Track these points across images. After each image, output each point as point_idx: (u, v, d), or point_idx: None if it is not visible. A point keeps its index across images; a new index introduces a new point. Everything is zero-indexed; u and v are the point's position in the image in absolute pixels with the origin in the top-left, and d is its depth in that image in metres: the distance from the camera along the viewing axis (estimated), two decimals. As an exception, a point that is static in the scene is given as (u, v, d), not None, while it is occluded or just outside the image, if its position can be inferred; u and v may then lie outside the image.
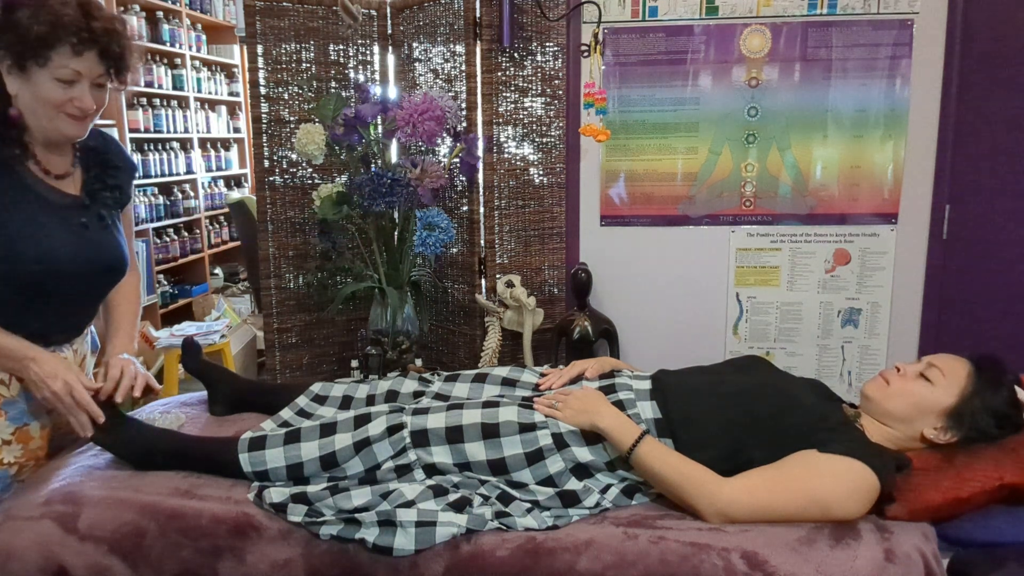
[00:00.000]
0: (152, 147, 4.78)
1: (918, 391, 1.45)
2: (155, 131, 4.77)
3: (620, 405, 1.49)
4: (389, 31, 2.84)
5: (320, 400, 1.73)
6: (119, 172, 1.64)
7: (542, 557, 1.32)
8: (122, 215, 1.67)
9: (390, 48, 2.86)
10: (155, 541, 1.41)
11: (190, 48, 5.17)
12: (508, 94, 2.67)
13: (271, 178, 2.74)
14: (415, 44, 2.82)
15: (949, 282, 2.67)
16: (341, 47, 2.78)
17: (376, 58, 2.87)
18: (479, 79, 2.60)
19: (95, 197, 1.58)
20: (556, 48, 2.71)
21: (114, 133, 4.29)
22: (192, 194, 5.17)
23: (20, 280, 1.46)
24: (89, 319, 1.68)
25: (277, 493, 1.42)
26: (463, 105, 2.62)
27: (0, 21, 1.37)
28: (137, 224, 4.36)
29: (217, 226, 5.56)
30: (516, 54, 2.65)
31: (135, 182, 1.82)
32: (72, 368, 1.51)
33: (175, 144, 5.05)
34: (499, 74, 2.63)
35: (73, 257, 1.50)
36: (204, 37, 5.45)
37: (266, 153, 2.72)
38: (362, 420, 1.47)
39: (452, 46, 2.67)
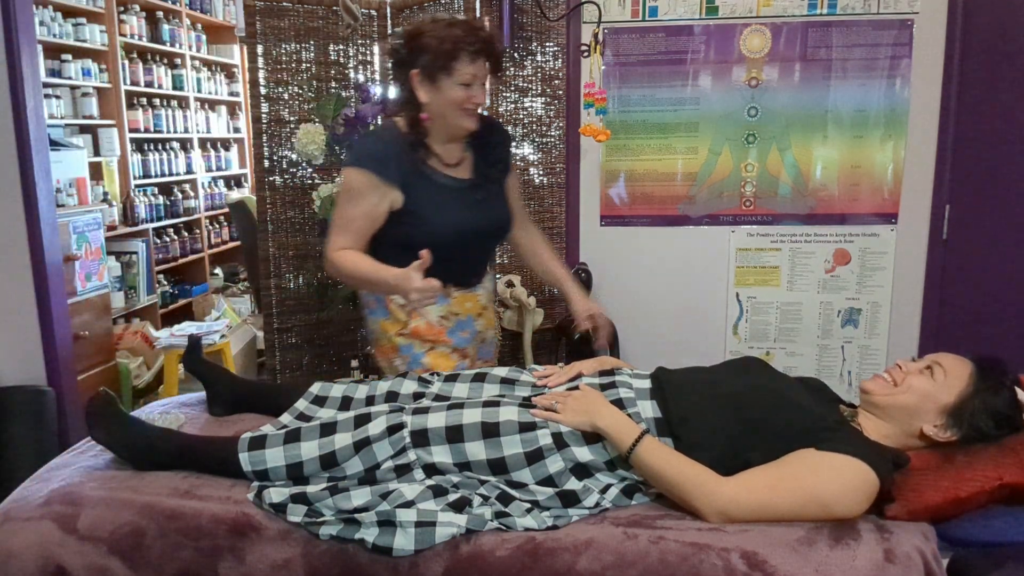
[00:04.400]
0: (152, 147, 4.78)
1: (920, 386, 1.45)
2: (155, 131, 4.77)
3: (620, 403, 1.49)
4: (389, 31, 2.84)
5: (320, 402, 1.73)
6: (499, 147, 1.95)
7: (542, 557, 1.32)
8: (508, 180, 1.99)
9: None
10: (155, 541, 1.40)
11: (190, 48, 5.17)
12: (508, 94, 2.66)
13: (271, 178, 2.74)
14: (415, 44, 2.82)
15: (949, 282, 2.67)
16: (341, 47, 2.78)
17: (376, 58, 2.87)
18: (479, 79, 2.59)
19: (485, 174, 1.91)
20: (556, 48, 2.71)
21: (114, 133, 4.30)
22: (192, 194, 5.17)
23: (440, 243, 1.78)
24: (487, 265, 2.07)
25: (277, 493, 1.42)
26: (463, 105, 2.62)
27: (413, 47, 1.75)
28: (137, 224, 4.36)
29: (217, 226, 5.56)
30: (516, 54, 2.65)
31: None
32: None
33: (175, 144, 5.05)
34: (499, 74, 2.63)
35: (473, 226, 1.88)
36: (204, 37, 5.45)
37: (266, 153, 2.72)
38: (362, 420, 1.47)
39: (452, 46, 2.67)
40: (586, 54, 2.69)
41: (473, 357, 2.00)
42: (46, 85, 3.70)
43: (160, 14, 4.86)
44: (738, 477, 1.36)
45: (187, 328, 3.59)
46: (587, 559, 1.31)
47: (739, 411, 1.45)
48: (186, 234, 5.08)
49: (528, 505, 1.41)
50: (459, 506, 1.38)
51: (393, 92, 2.82)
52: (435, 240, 1.78)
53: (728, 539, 1.30)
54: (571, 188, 2.80)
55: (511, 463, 1.42)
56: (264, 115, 2.69)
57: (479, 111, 1.82)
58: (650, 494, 1.46)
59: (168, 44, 4.91)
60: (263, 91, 2.68)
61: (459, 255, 1.89)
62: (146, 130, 4.66)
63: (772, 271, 2.76)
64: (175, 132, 5.00)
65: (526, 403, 1.50)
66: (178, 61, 5.09)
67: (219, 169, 5.66)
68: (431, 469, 1.44)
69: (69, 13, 4.06)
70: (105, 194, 4.22)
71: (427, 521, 1.34)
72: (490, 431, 1.43)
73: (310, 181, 2.78)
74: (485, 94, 1.80)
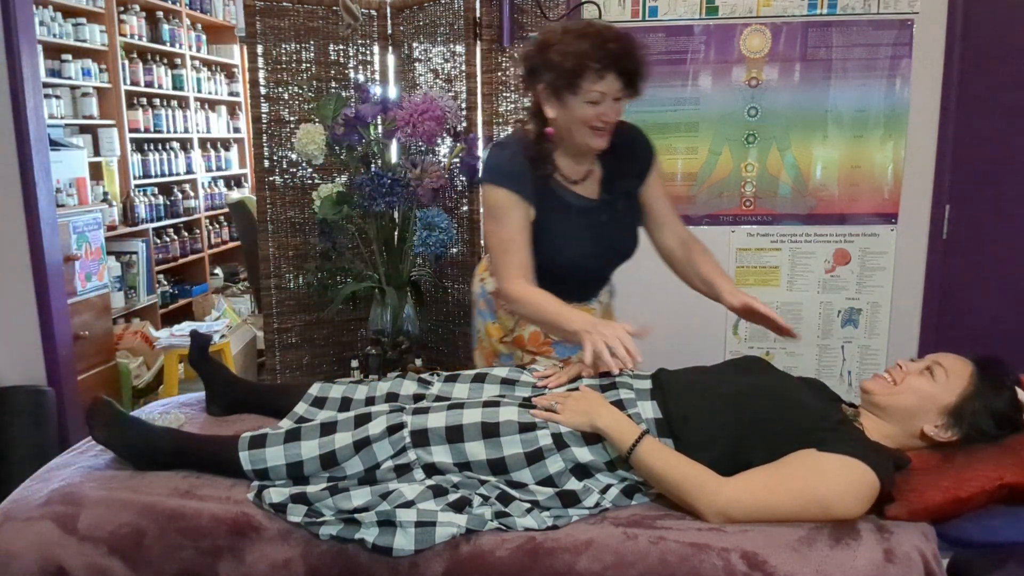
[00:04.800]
0: (152, 147, 4.78)
1: (921, 386, 1.45)
2: (155, 131, 4.77)
3: (620, 404, 1.49)
4: (389, 31, 2.84)
5: (319, 403, 1.72)
6: (635, 161, 1.81)
7: (542, 557, 1.32)
8: (645, 190, 1.83)
9: (390, 48, 2.86)
10: (155, 541, 1.40)
11: (190, 48, 5.17)
12: (508, 94, 2.66)
13: (271, 178, 2.74)
14: (415, 44, 2.82)
15: (949, 282, 2.67)
16: (341, 47, 2.78)
17: (376, 58, 2.87)
18: (479, 79, 2.60)
19: (613, 191, 1.80)
20: (556, 48, 2.71)
21: (114, 133, 4.30)
22: (192, 194, 5.17)
23: (555, 270, 1.76)
24: (606, 282, 1.97)
25: (277, 493, 1.42)
26: (463, 105, 2.62)
27: (539, 62, 1.63)
28: (137, 224, 4.36)
29: (217, 226, 5.56)
30: (516, 54, 2.65)
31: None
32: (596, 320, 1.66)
33: (175, 144, 5.05)
34: (499, 74, 2.63)
35: (594, 252, 1.80)
36: (204, 37, 5.45)
37: (266, 153, 2.72)
38: (362, 419, 1.47)
39: (452, 46, 2.67)
40: (586, 54, 2.69)
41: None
42: (46, 85, 3.70)
43: (160, 14, 4.86)
44: (738, 478, 1.36)
45: (187, 328, 3.59)
46: (587, 559, 1.31)
47: (740, 411, 1.45)
48: (186, 234, 5.08)
49: (528, 505, 1.41)
50: (459, 506, 1.38)
51: (393, 92, 2.83)
52: (552, 264, 1.74)
53: (728, 539, 1.30)
54: (571, 188, 2.80)
55: (511, 463, 1.42)
56: (264, 115, 2.69)
57: (609, 130, 1.68)
58: (650, 494, 1.46)
59: (168, 44, 4.91)
60: (263, 91, 2.68)
61: (577, 276, 1.84)
62: (146, 130, 4.66)
63: (772, 271, 2.76)
64: (175, 132, 5.00)
65: (526, 403, 1.50)
66: (178, 61, 5.09)
67: (219, 169, 5.66)
68: (431, 469, 1.44)
69: (69, 13, 4.06)
70: (105, 194, 4.22)
71: (427, 521, 1.34)
72: (490, 431, 1.43)
73: (310, 181, 2.78)
74: (618, 111, 1.65)
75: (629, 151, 1.79)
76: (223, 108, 5.76)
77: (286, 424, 1.68)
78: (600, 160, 1.78)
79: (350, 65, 2.81)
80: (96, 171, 4.18)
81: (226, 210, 5.46)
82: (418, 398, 1.66)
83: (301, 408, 1.71)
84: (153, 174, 4.74)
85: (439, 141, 2.57)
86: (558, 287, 1.71)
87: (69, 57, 4.01)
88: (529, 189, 1.70)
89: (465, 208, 2.71)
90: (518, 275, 1.69)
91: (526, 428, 1.43)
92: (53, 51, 3.95)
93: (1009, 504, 1.37)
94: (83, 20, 4.12)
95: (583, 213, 1.77)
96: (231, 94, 5.84)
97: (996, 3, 2.51)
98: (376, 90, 2.83)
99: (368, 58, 2.85)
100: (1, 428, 2.51)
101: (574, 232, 1.76)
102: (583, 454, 1.43)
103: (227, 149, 5.82)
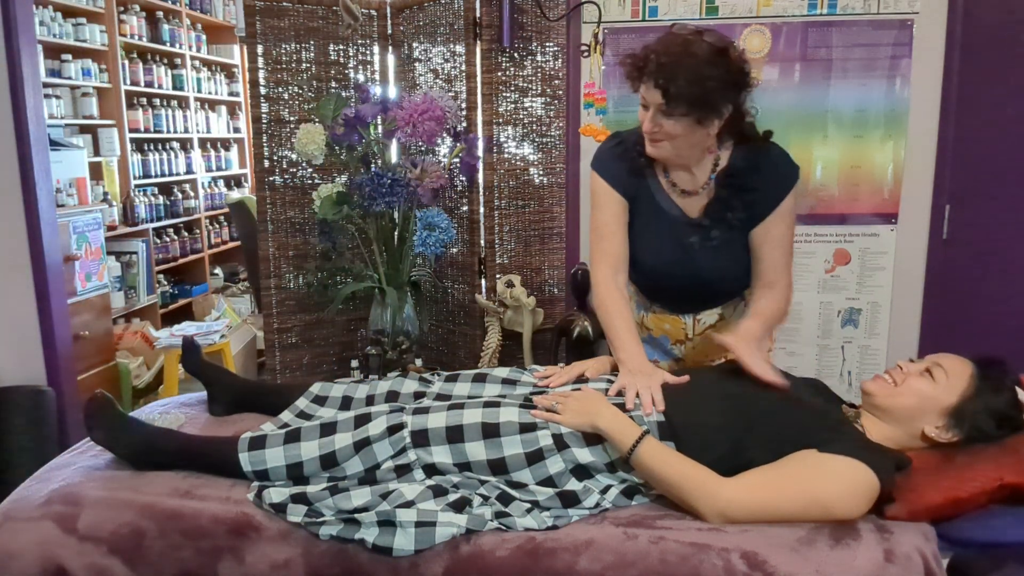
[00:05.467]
0: (152, 147, 4.77)
1: (921, 388, 1.45)
2: (155, 131, 4.77)
3: (622, 406, 1.49)
4: (389, 31, 2.84)
5: (320, 401, 1.73)
6: (755, 195, 1.65)
7: (542, 557, 1.32)
8: (758, 231, 1.68)
9: (390, 48, 2.86)
10: (155, 541, 1.40)
11: (190, 48, 5.17)
12: (508, 94, 2.66)
13: (271, 178, 2.74)
14: (415, 44, 2.82)
15: (949, 282, 2.67)
16: (341, 47, 2.78)
17: (376, 58, 2.87)
18: (479, 79, 2.60)
19: (715, 218, 1.68)
20: (556, 48, 2.71)
21: (114, 133, 4.30)
22: (192, 194, 5.17)
23: (642, 274, 1.80)
24: (705, 306, 1.82)
25: (277, 493, 1.42)
26: (463, 105, 2.62)
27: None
28: (137, 224, 4.36)
29: (217, 226, 5.56)
30: (516, 54, 2.65)
31: None
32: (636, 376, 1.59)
33: (175, 144, 5.05)
34: (499, 74, 2.63)
35: (671, 272, 1.74)
36: (204, 37, 5.45)
37: (266, 153, 2.72)
38: (362, 420, 1.47)
39: (452, 46, 2.67)
40: (586, 54, 2.69)
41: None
42: (46, 85, 3.70)
43: (160, 14, 4.86)
44: (739, 478, 1.36)
45: (187, 328, 3.59)
46: (587, 559, 1.31)
47: (741, 411, 1.45)
48: (186, 234, 5.08)
49: (528, 505, 1.41)
50: (459, 506, 1.38)
51: (393, 92, 2.83)
52: (636, 263, 1.75)
53: (728, 539, 1.30)
54: (571, 188, 2.80)
55: (511, 463, 1.42)
56: (264, 115, 2.69)
57: (666, 142, 1.60)
58: (650, 495, 1.46)
59: (168, 44, 4.91)
60: (263, 91, 2.68)
61: (662, 285, 1.80)
62: (146, 130, 4.66)
63: (772, 271, 2.76)
64: (175, 132, 5.00)
65: (527, 403, 1.50)
66: (178, 61, 5.09)
67: (219, 169, 5.66)
68: (431, 469, 1.44)
69: (69, 13, 4.06)
70: (105, 194, 4.22)
71: (427, 521, 1.34)
72: (490, 431, 1.43)
73: (310, 181, 2.78)
74: (671, 126, 1.55)
75: (757, 181, 1.64)
76: (223, 108, 5.76)
77: (286, 417, 1.69)
78: (721, 180, 1.66)
79: (350, 65, 2.81)
80: (96, 171, 4.18)
81: (226, 210, 5.46)
82: (418, 396, 1.66)
83: (302, 403, 1.72)
84: (153, 174, 4.74)
85: (439, 141, 2.57)
86: (651, 292, 1.80)
87: (69, 57, 4.01)
88: (624, 182, 1.71)
89: (465, 208, 2.71)
90: (607, 262, 1.73)
91: (526, 428, 1.43)
92: (53, 51, 3.95)
93: (1009, 504, 1.37)
94: (83, 20, 4.12)
95: (673, 226, 1.71)
96: (231, 94, 5.84)
97: (996, 3, 2.51)
98: (376, 90, 2.83)
99: (368, 58, 2.85)
100: (1, 428, 2.51)
101: (657, 241, 1.72)
102: (583, 455, 1.43)
103: (227, 149, 5.82)
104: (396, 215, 2.52)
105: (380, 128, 2.45)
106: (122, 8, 4.46)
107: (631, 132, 1.74)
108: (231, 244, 5.64)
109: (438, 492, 1.40)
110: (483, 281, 2.72)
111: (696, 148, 1.62)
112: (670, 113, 1.53)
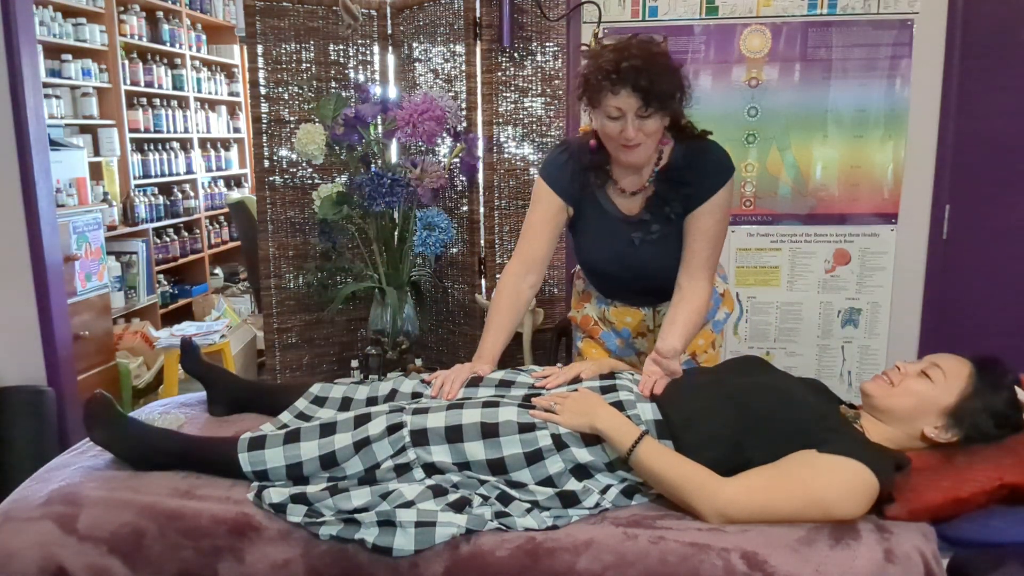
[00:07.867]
0: (152, 147, 4.77)
1: (919, 389, 1.45)
2: (155, 131, 4.77)
3: (619, 406, 1.49)
4: (389, 31, 2.84)
5: (319, 402, 1.73)
6: (689, 188, 1.69)
7: (542, 557, 1.32)
8: (687, 221, 1.71)
9: (390, 48, 2.86)
10: (154, 542, 1.41)
11: (190, 48, 5.17)
12: (508, 94, 2.67)
13: (271, 178, 2.74)
14: (415, 44, 2.82)
15: (949, 282, 2.67)
16: (341, 47, 2.78)
17: (376, 58, 2.87)
18: (479, 79, 2.60)
19: (655, 213, 1.74)
20: (556, 48, 2.71)
21: (114, 133, 4.29)
22: (192, 194, 5.17)
23: (592, 273, 1.90)
24: (660, 298, 1.84)
25: (276, 493, 1.42)
26: (463, 105, 2.62)
27: (578, 75, 1.65)
28: (137, 224, 4.36)
29: (217, 226, 5.56)
30: (516, 54, 2.65)
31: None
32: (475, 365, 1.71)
33: (175, 144, 5.05)
34: (499, 74, 2.63)
35: (619, 268, 1.81)
36: (204, 37, 5.45)
37: (266, 153, 2.73)
38: (362, 420, 1.47)
39: (452, 46, 2.67)
40: (586, 54, 2.69)
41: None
42: (46, 85, 3.70)
43: (160, 14, 4.86)
44: (738, 478, 1.36)
45: (187, 328, 3.59)
46: (587, 559, 1.31)
47: (740, 411, 1.45)
48: (186, 234, 5.08)
49: (528, 505, 1.41)
50: (459, 506, 1.38)
51: (393, 92, 2.83)
52: (587, 265, 1.87)
53: (728, 539, 1.30)
54: (571, 188, 2.80)
55: (511, 463, 1.42)
56: (264, 115, 2.69)
57: (643, 147, 1.62)
58: (650, 495, 1.46)
59: (168, 44, 4.91)
60: (263, 91, 2.68)
61: (615, 282, 1.88)
62: (146, 130, 4.66)
63: (772, 271, 2.76)
64: (175, 132, 5.00)
65: (526, 404, 1.50)
66: (178, 61, 5.09)
67: (219, 169, 5.66)
68: (431, 469, 1.44)
69: (69, 13, 4.06)
70: (105, 194, 4.22)
71: (427, 521, 1.34)
72: (490, 431, 1.43)
73: (310, 181, 2.78)
74: (647, 128, 1.58)
75: (693, 175, 1.69)
76: (223, 108, 5.76)
77: (285, 418, 1.68)
78: (660, 177, 1.72)
79: (350, 65, 2.81)
80: (96, 171, 4.18)
81: (226, 210, 5.46)
82: (417, 396, 1.66)
83: (302, 404, 1.72)
84: (153, 174, 4.74)
85: (439, 141, 2.57)
86: (606, 285, 1.88)
87: (69, 57, 4.01)
88: (565, 187, 1.77)
89: (465, 208, 2.71)
90: (521, 259, 1.81)
91: (526, 428, 1.43)
92: (53, 51, 3.95)
93: (1009, 504, 1.37)
94: (83, 20, 4.12)
95: (615, 225, 1.78)
96: (231, 94, 5.84)
97: (996, 3, 2.51)
98: (376, 90, 2.83)
99: (368, 58, 2.85)
100: (1, 428, 2.51)
101: (600, 240, 1.80)
102: (583, 455, 1.43)
103: (227, 149, 5.82)
104: (396, 215, 2.52)
105: (380, 128, 2.45)
106: (122, 8, 4.46)
107: (575, 141, 1.84)
108: (231, 244, 5.64)
109: (438, 492, 1.40)
110: (483, 281, 2.72)
111: (655, 146, 1.67)
112: (649, 114, 1.56)
